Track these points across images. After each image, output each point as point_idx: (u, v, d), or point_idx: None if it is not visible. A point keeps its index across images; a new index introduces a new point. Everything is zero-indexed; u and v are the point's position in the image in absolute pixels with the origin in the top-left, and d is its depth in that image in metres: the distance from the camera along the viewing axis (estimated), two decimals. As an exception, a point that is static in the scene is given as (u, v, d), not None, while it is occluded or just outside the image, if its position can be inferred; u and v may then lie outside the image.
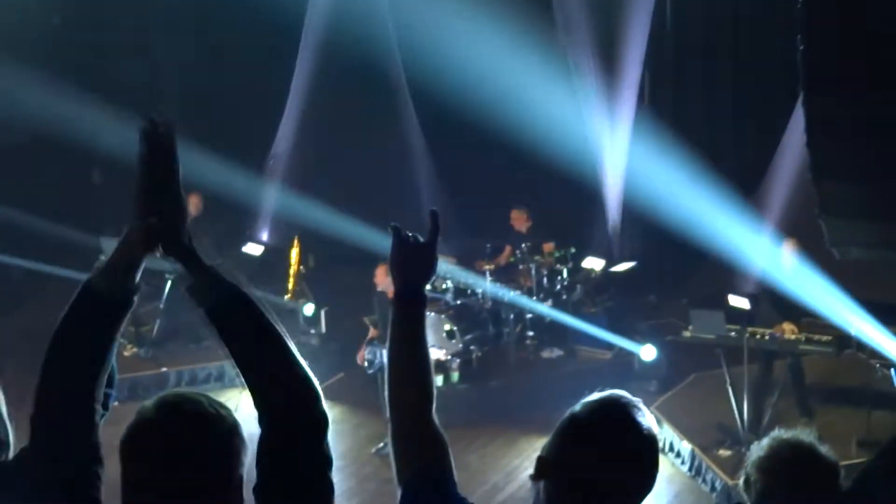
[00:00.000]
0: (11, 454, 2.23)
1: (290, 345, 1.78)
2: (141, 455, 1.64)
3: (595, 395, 1.95)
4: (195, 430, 1.64)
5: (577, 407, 1.93)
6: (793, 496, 2.46)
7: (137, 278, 1.84)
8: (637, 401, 1.95)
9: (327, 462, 1.78)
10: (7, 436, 2.29)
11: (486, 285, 9.45)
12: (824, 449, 2.53)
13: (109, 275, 1.80)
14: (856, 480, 2.75)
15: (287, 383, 1.75)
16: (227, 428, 1.67)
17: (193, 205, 9.75)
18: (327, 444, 1.78)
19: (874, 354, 8.23)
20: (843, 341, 7.93)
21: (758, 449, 2.60)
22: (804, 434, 2.59)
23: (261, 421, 1.75)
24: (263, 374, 1.76)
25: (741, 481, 2.64)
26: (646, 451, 1.89)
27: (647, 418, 1.90)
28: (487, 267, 9.47)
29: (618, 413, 1.90)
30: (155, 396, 1.71)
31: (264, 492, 1.72)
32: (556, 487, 1.89)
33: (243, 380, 1.76)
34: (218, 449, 1.65)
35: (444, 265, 9.62)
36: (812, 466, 2.49)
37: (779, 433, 2.62)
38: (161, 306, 9.61)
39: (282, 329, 1.77)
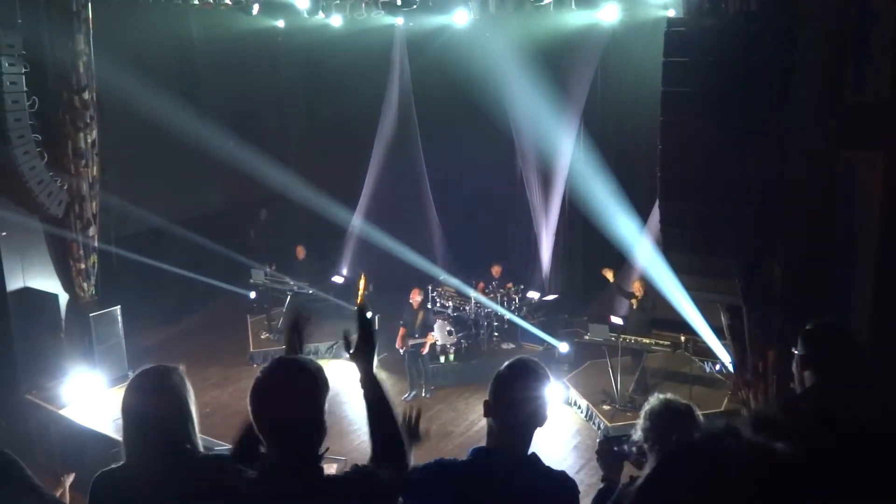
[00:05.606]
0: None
1: (397, 421, 2.16)
2: (264, 389, 1.98)
3: (512, 359, 2.34)
4: (296, 372, 2.00)
5: (502, 367, 2.31)
6: (669, 426, 2.68)
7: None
8: (535, 359, 2.32)
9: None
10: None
11: (476, 295, 10.69)
12: (683, 404, 2.83)
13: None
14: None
15: (391, 444, 2.14)
16: (315, 370, 2.01)
17: (300, 252, 11.98)
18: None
19: (696, 352, 9.26)
20: (677, 345, 9.10)
21: (647, 403, 2.87)
22: (674, 397, 2.88)
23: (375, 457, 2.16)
24: (383, 437, 2.14)
25: (639, 423, 2.86)
26: (541, 382, 2.24)
27: (539, 366, 2.27)
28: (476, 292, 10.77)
29: (522, 365, 2.29)
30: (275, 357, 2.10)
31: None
32: (496, 419, 2.27)
33: (370, 435, 2.17)
34: (309, 382, 1.99)
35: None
36: (676, 411, 2.79)
37: (658, 395, 2.91)
38: (283, 309, 11.26)
39: (395, 410, 2.16)
